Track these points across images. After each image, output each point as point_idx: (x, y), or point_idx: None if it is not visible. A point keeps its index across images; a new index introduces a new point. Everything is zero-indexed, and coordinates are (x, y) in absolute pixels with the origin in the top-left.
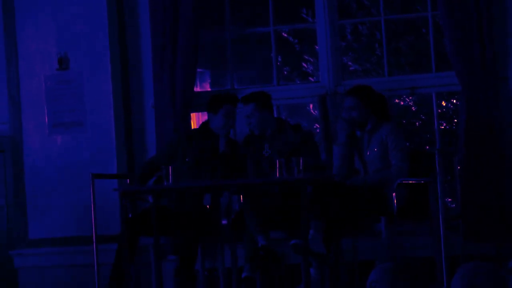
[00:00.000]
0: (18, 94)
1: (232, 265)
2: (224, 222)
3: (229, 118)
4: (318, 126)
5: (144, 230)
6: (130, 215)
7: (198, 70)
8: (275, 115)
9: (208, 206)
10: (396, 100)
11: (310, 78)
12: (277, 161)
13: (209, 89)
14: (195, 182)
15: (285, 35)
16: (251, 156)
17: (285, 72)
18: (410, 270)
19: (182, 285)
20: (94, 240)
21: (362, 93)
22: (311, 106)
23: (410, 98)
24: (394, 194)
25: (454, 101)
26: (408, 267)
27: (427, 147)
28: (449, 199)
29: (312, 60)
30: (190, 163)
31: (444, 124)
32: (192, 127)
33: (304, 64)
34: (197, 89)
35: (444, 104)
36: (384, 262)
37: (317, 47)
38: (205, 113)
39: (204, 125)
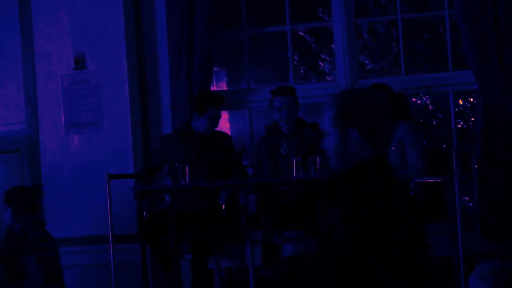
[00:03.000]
0: (35, 94)
1: (249, 264)
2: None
3: (214, 121)
4: None
5: (160, 231)
6: (146, 215)
7: (215, 69)
8: None
9: (223, 206)
10: (413, 99)
11: (327, 77)
12: (294, 160)
13: (225, 88)
14: (211, 182)
15: (302, 34)
16: (267, 155)
17: (302, 71)
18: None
19: (198, 279)
20: (110, 240)
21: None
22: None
23: (427, 96)
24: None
25: (471, 99)
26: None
27: (444, 145)
28: (466, 198)
29: (328, 59)
30: (180, 167)
31: (461, 123)
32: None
33: (320, 63)
34: (213, 88)
35: (461, 103)
36: None
37: (333, 46)
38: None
39: (185, 126)
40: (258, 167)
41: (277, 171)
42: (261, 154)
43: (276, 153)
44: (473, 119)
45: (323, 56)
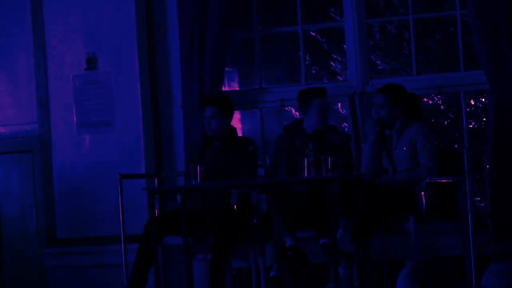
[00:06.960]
0: (47, 94)
1: (261, 265)
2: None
3: (209, 121)
4: (346, 125)
5: (170, 230)
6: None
7: (226, 69)
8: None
9: (235, 206)
10: (425, 99)
11: (338, 77)
12: (305, 159)
13: (237, 88)
14: (222, 182)
15: (313, 34)
16: (286, 154)
17: (313, 71)
18: (439, 270)
19: (214, 281)
20: (122, 240)
21: (391, 91)
22: (339, 105)
23: (439, 97)
24: (422, 193)
25: (483, 99)
26: (437, 266)
27: (456, 146)
28: (478, 198)
29: (340, 59)
30: (191, 167)
31: (473, 123)
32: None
33: (332, 63)
34: (225, 88)
35: (472, 103)
36: (413, 261)
37: (345, 46)
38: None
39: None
40: (273, 167)
41: (294, 171)
42: (278, 154)
43: (296, 153)
44: (484, 119)
45: (334, 56)
